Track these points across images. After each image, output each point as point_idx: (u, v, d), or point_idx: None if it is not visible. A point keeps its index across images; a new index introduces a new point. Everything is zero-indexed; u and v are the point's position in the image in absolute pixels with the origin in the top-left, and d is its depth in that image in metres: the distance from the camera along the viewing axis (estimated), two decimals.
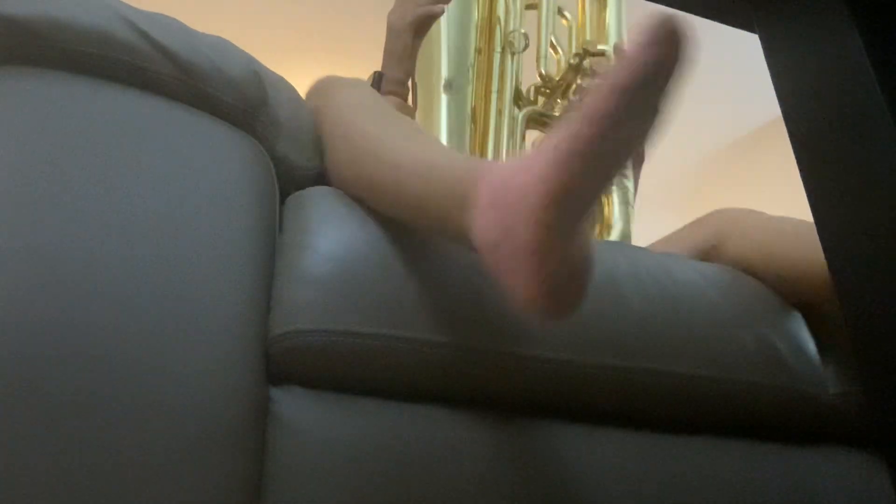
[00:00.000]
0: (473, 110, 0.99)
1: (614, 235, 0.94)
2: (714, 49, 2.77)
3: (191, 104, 0.63)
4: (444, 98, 0.99)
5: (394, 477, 0.57)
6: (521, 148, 0.95)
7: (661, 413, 0.71)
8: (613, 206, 0.94)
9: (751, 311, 0.75)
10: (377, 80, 1.11)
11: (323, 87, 0.79)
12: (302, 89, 0.77)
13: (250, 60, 0.69)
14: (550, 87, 0.97)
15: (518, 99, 0.99)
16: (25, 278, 0.50)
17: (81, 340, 0.49)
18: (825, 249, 0.32)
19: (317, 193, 0.69)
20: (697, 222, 0.94)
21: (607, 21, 1.08)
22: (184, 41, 0.63)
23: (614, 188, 0.95)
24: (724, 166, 3.65)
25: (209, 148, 0.63)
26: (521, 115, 0.95)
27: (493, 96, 0.97)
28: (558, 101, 0.99)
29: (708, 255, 0.89)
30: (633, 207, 0.97)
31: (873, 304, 0.30)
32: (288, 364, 0.59)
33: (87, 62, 0.58)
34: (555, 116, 0.98)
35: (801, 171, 0.33)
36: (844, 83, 0.31)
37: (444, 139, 0.97)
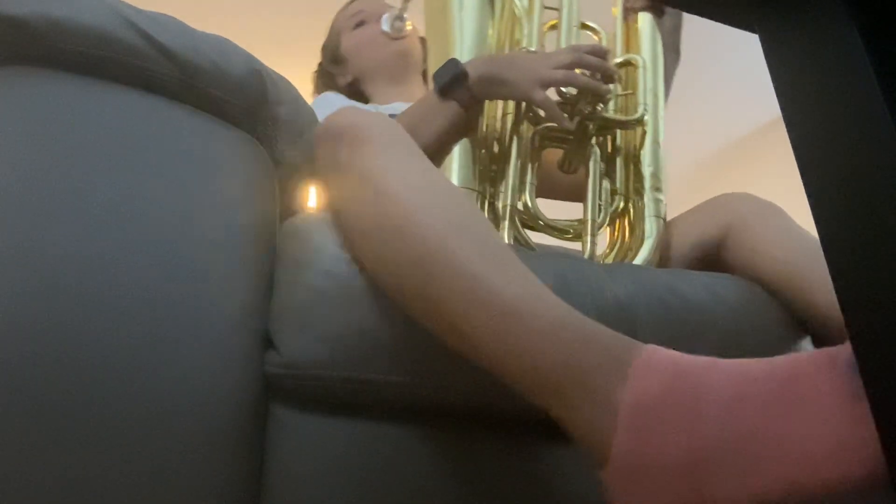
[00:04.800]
0: (486, 128, 0.91)
1: (645, 249, 0.88)
2: (714, 49, 2.77)
3: (191, 104, 0.63)
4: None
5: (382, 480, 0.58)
6: (534, 168, 0.89)
7: None
8: (645, 219, 0.90)
9: (759, 333, 0.75)
10: None
11: (350, 136, 0.62)
12: (303, 88, 0.76)
13: (251, 59, 0.68)
14: (570, 104, 0.87)
15: (535, 118, 0.91)
16: (25, 280, 0.50)
17: (82, 342, 0.49)
18: (825, 249, 0.32)
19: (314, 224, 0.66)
20: (707, 209, 0.91)
21: (640, 29, 1.00)
22: (184, 41, 0.63)
23: (647, 199, 0.90)
24: (723, 166, 3.65)
25: (210, 148, 0.62)
26: (533, 133, 0.89)
27: (509, 118, 0.90)
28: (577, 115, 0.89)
29: (714, 253, 0.87)
30: (664, 220, 0.92)
31: (874, 305, 0.30)
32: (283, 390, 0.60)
33: (87, 62, 0.58)
34: (572, 134, 0.90)
35: (801, 171, 0.33)
36: (844, 83, 0.31)
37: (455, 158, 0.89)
